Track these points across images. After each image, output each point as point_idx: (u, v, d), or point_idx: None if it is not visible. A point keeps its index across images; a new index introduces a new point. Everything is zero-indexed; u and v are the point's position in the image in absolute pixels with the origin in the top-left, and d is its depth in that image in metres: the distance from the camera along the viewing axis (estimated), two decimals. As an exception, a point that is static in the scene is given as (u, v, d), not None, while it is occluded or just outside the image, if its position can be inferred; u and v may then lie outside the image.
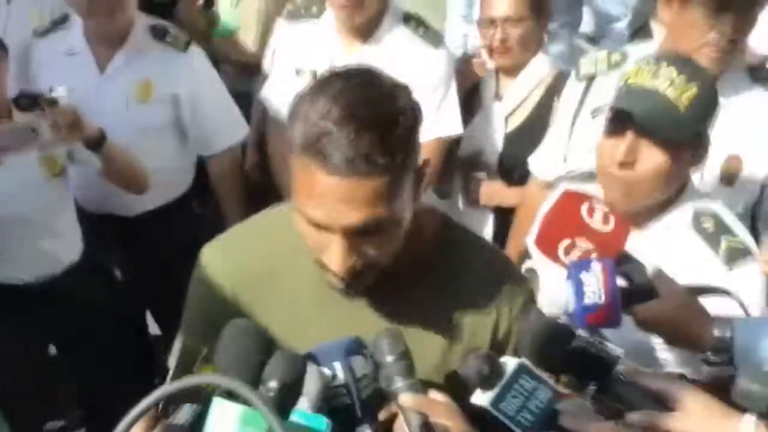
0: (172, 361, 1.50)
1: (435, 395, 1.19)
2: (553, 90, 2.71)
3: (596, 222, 1.42)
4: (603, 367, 1.21)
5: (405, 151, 1.18)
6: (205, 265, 1.44)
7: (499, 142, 2.81)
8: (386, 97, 1.19)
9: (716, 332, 1.43)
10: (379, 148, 1.14)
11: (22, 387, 2.58)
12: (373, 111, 1.16)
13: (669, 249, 1.75)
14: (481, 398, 1.17)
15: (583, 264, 1.35)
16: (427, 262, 1.38)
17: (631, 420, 1.19)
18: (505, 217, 2.77)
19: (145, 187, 2.69)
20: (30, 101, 2.41)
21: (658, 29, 2.53)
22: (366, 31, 2.67)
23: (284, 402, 1.08)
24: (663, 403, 1.22)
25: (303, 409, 1.07)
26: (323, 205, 1.17)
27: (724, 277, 1.73)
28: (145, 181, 2.69)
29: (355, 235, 1.20)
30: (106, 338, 2.72)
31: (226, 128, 2.90)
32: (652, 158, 1.68)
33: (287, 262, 1.39)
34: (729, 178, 2.20)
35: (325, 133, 1.14)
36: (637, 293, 1.39)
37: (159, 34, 2.74)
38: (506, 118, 2.81)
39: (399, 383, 1.15)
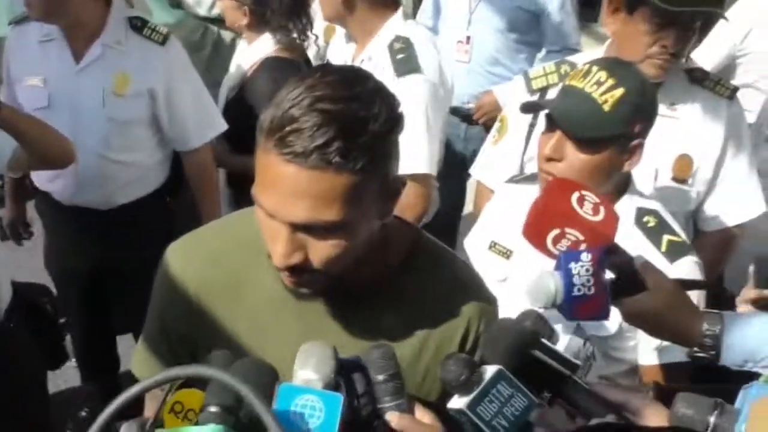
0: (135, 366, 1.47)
1: (422, 416, 1.16)
2: None
3: (586, 211, 1.38)
4: (558, 379, 1.21)
5: (368, 157, 1.14)
6: (169, 264, 1.39)
7: None
8: (361, 99, 1.15)
9: (706, 326, 1.40)
10: (339, 147, 1.11)
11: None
12: (340, 107, 1.13)
13: None
14: (457, 402, 1.16)
15: (572, 254, 1.33)
16: (394, 276, 1.35)
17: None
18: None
19: (69, 156, 2.44)
20: None
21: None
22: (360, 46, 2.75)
23: None
24: (623, 415, 1.22)
25: (314, 387, 1.06)
26: (275, 193, 1.15)
27: (665, 271, 1.77)
28: (67, 149, 2.42)
29: (301, 232, 1.17)
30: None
31: (203, 124, 2.87)
32: (574, 155, 1.76)
33: (252, 269, 1.35)
34: (681, 177, 2.27)
35: (289, 120, 1.12)
36: (625, 285, 1.36)
37: (137, 26, 2.69)
38: None
39: (387, 403, 1.14)
